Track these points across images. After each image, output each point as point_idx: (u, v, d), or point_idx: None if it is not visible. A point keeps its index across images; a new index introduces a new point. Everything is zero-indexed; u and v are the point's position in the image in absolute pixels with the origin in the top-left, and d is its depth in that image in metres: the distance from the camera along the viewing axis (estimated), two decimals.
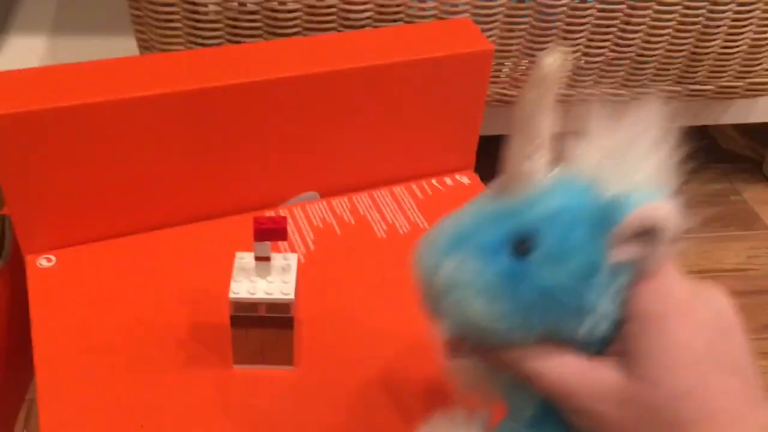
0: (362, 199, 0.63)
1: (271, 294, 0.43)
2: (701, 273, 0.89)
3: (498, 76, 0.73)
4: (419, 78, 0.60)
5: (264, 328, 0.45)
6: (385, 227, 0.60)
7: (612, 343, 0.30)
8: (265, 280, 0.44)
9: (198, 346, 0.48)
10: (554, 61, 0.28)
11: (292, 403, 0.46)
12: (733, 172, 1.07)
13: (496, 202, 0.30)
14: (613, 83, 0.76)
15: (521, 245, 0.28)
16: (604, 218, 0.28)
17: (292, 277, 0.44)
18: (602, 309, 0.29)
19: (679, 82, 0.78)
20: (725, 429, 0.27)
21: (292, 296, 0.43)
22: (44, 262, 0.54)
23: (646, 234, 0.27)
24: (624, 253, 0.28)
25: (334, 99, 0.58)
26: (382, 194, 0.64)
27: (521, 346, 0.30)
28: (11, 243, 0.59)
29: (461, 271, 0.29)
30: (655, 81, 0.77)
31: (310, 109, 0.58)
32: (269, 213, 0.59)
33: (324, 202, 0.62)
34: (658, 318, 0.28)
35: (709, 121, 0.91)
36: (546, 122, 0.28)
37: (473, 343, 0.31)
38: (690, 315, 0.29)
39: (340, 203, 0.62)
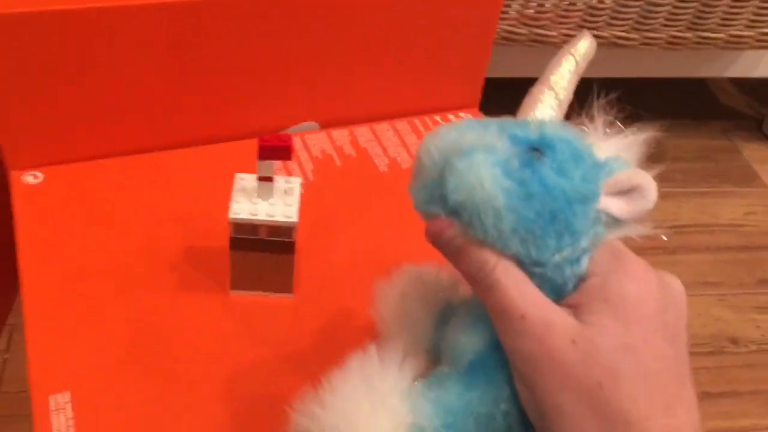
0: (363, 132, 0.61)
1: (273, 216, 0.41)
2: (698, 227, 0.88)
3: (507, 13, 0.71)
4: (427, 9, 0.57)
5: (264, 252, 0.43)
6: (387, 161, 0.58)
7: (565, 299, 0.31)
8: (267, 202, 0.42)
9: (193, 270, 0.46)
10: (590, 46, 0.34)
11: (289, 331, 0.44)
12: (732, 129, 1.06)
13: (513, 120, 0.32)
14: (624, 26, 0.74)
15: (537, 150, 0.30)
16: (602, 166, 0.30)
17: (295, 200, 0.42)
18: (583, 243, 0.30)
19: (690, 29, 0.76)
20: (655, 391, 0.28)
21: (295, 219, 0.41)
22: (30, 179, 0.51)
23: (630, 193, 0.30)
24: (610, 204, 0.30)
25: (338, 26, 0.55)
26: (384, 128, 0.62)
27: (497, 247, 0.30)
28: None
29: (485, 138, 0.30)
30: (666, 26, 0.75)
31: (312, 36, 0.55)
32: None
33: (324, 133, 0.60)
34: (615, 273, 0.30)
35: (714, 73, 0.90)
36: (571, 81, 0.33)
37: (459, 227, 0.30)
38: (643, 278, 0.30)
39: (341, 135, 0.60)
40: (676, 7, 0.73)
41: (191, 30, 0.51)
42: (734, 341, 0.74)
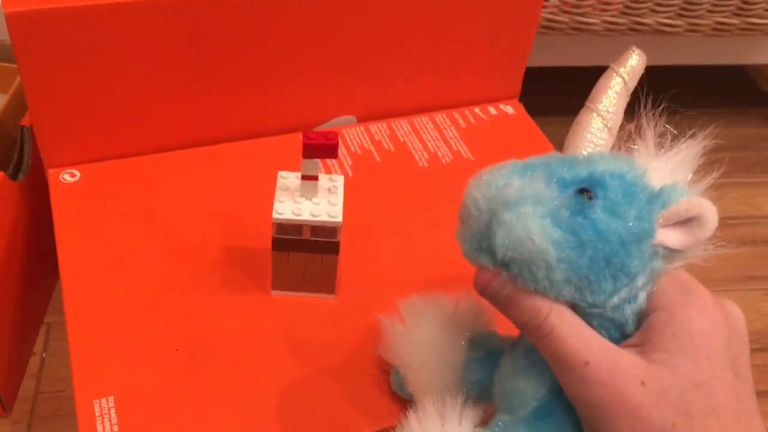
0: (401, 126, 0.59)
1: (317, 216, 0.40)
2: (741, 218, 0.86)
3: (547, 0, 0.69)
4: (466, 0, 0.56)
5: (307, 252, 0.42)
6: (426, 156, 0.57)
7: (630, 338, 0.30)
8: (310, 201, 0.41)
9: (233, 269, 0.46)
10: (642, 56, 0.33)
11: (331, 333, 0.43)
12: None
13: (560, 157, 0.30)
14: (668, 13, 0.71)
15: (586, 191, 0.29)
16: (657, 196, 0.29)
17: (339, 200, 0.41)
18: (640, 282, 0.29)
19: (737, 14, 0.73)
20: (728, 426, 0.28)
21: (339, 219, 0.40)
22: (68, 177, 0.51)
23: (688, 224, 0.29)
24: (666, 236, 0.29)
25: (376, 18, 0.54)
26: (423, 121, 0.60)
27: (550, 296, 0.29)
28: (30, 156, 0.55)
29: (532, 187, 0.29)
30: (712, 12, 0.72)
31: (349, 28, 0.54)
32: None
33: (362, 127, 0.58)
34: (683, 307, 0.29)
35: (759, 60, 0.87)
36: (622, 107, 0.32)
37: (508, 276, 0.29)
38: (711, 312, 0.29)
39: (379, 129, 0.59)
40: None
41: (229, 25, 0.50)
42: None
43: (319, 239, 0.41)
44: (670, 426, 0.27)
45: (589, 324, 0.30)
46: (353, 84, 0.57)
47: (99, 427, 0.37)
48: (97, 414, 0.38)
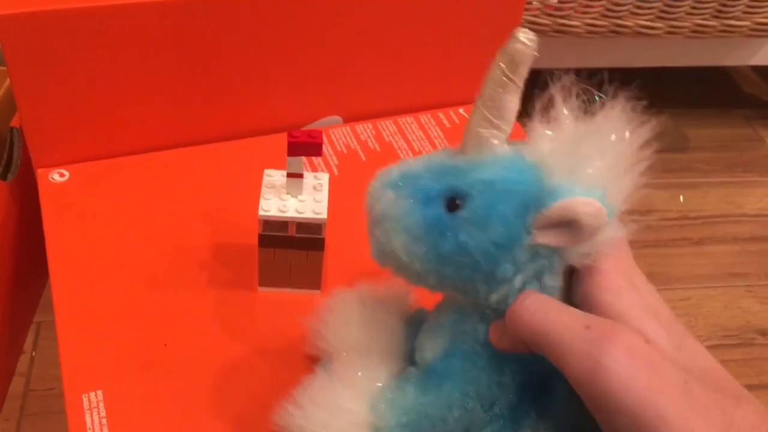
0: (387, 126, 0.60)
1: (302, 213, 0.41)
2: (722, 217, 0.87)
3: (530, 2, 0.70)
4: (452, 0, 0.57)
5: (293, 249, 0.43)
6: (411, 155, 0.58)
7: None
8: (296, 198, 0.42)
9: (221, 267, 0.46)
10: (527, 41, 0.29)
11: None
12: (755, 117, 1.05)
13: (449, 157, 0.31)
14: (648, 15, 0.73)
15: (453, 202, 0.30)
16: (534, 200, 0.29)
17: (324, 197, 0.42)
18: (518, 283, 0.30)
19: (716, 17, 0.75)
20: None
21: (324, 216, 0.41)
22: (57, 176, 0.51)
23: (567, 225, 0.28)
24: (544, 237, 0.29)
25: (360, 18, 0.55)
26: (408, 121, 0.61)
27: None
28: (20, 156, 0.56)
29: (395, 205, 0.31)
30: (691, 14, 0.74)
31: (333, 29, 0.54)
32: None
33: (347, 127, 0.59)
34: (625, 283, 0.29)
35: (738, 62, 0.88)
36: (510, 99, 0.30)
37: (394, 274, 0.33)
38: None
39: (365, 129, 0.59)
40: None
41: (215, 26, 0.50)
42: (763, 333, 0.73)
43: (305, 236, 0.42)
44: (682, 382, 0.26)
45: (482, 313, 0.32)
46: (339, 85, 0.58)
47: (88, 420, 0.38)
48: (86, 407, 0.38)
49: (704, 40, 0.79)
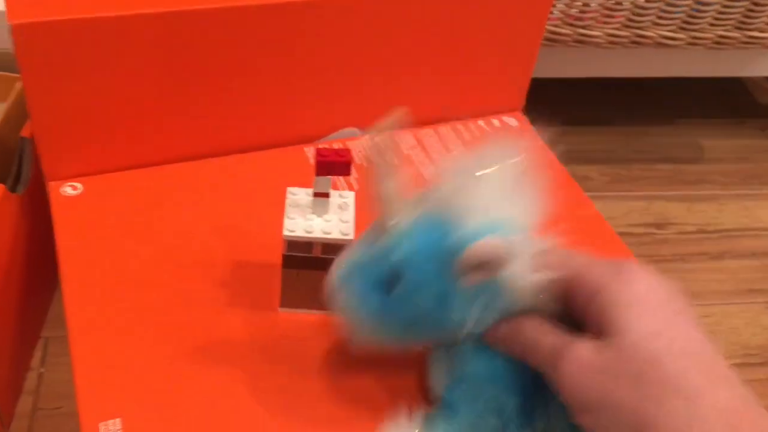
0: (406, 139, 0.59)
1: (329, 233, 0.39)
2: (741, 231, 0.86)
3: (550, 12, 0.68)
4: (473, 12, 0.55)
5: (317, 270, 0.41)
6: (431, 168, 0.56)
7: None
8: (321, 218, 0.40)
9: (240, 285, 0.45)
10: (382, 134, 0.35)
11: (340, 351, 0.42)
12: None
13: (374, 245, 0.35)
14: (671, 26, 0.71)
15: (390, 284, 0.34)
16: (451, 253, 0.33)
17: (350, 216, 0.40)
18: (473, 319, 0.34)
19: (738, 28, 0.74)
20: (704, 366, 0.28)
21: (352, 236, 0.40)
22: (69, 190, 0.50)
23: (485, 264, 0.32)
24: (470, 279, 0.33)
25: (379, 29, 0.53)
26: (427, 134, 0.60)
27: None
28: (30, 168, 0.54)
29: (351, 300, 0.36)
30: (713, 26, 0.73)
31: (354, 40, 0.53)
32: (313, 147, 0.55)
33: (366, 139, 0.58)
34: (615, 282, 0.30)
35: (758, 73, 0.87)
36: (389, 183, 0.34)
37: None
38: (642, 269, 0.31)
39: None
40: (725, 6, 0.70)
41: (233, 37, 0.49)
42: None
43: (330, 257, 0.40)
44: (638, 373, 0.28)
45: (463, 343, 0.35)
46: (357, 96, 0.57)
47: None
48: None
49: (725, 52, 0.78)
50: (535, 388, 0.34)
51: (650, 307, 0.30)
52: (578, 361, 0.30)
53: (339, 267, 0.37)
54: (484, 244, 0.32)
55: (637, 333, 0.29)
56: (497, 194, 0.33)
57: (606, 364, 0.29)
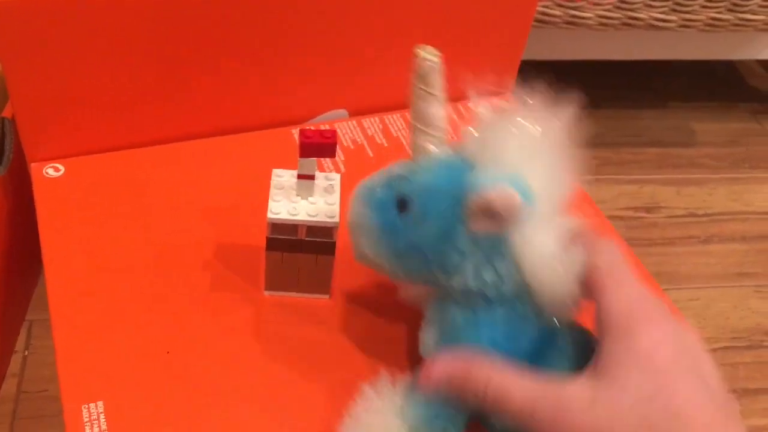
0: (394, 120, 0.58)
1: (314, 216, 0.39)
2: (730, 215, 0.86)
3: None
4: None
5: (302, 252, 0.41)
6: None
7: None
8: (306, 200, 0.40)
9: (225, 268, 0.44)
10: (429, 55, 0.34)
11: (326, 334, 0.42)
12: (762, 112, 1.03)
13: (400, 167, 0.36)
14: (663, 8, 0.71)
15: (402, 205, 0.35)
16: (465, 193, 0.32)
17: (336, 199, 0.40)
18: (470, 269, 0.33)
19: (731, 10, 0.73)
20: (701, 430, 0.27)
21: (337, 219, 0.39)
22: (51, 171, 0.49)
23: (489, 212, 0.32)
24: (476, 225, 0.32)
25: (367, 8, 0.53)
26: None
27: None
28: (12, 149, 0.53)
29: (359, 215, 0.36)
30: (705, 8, 0.72)
31: (342, 20, 0.52)
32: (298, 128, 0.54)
33: (354, 122, 0.57)
34: (631, 325, 0.30)
35: (749, 56, 0.87)
36: (433, 109, 0.34)
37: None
38: (657, 324, 0.30)
39: (372, 123, 0.57)
40: None
41: (218, 15, 0.48)
42: None
43: (315, 239, 0.40)
44: None
45: (455, 300, 0.35)
46: (345, 77, 0.56)
47: None
48: (85, 420, 0.36)
49: (717, 34, 0.77)
50: (533, 363, 0.33)
51: (656, 366, 0.29)
52: (573, 410, 0.29)
53: (358, 186, 0.37)
54: (499, 191, 0.31)
55: (635, 390, 0.28)
56: (529, 154, 0.33)
57: (598, 412, 0.28)
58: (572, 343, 0.34)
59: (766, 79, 1.08)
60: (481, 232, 0.33)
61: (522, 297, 0.34)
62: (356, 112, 0.58)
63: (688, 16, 0.72)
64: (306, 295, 0.43)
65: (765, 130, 1.00)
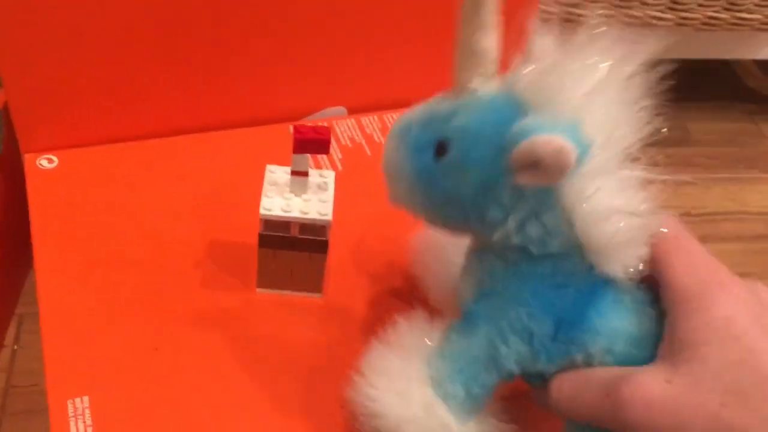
0: (393, 118, 0.58)
1: (306, 213, 0.39)
2: (726, 214, 0.86)
3: None
4: None
5: (294, 250, 0.40)
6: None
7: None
8: (299, 197, 0.39)
9: (217, 265, 0.44)
10: None
11: (317, 332, 0.42)
12: (757, 112, 1.03)
13: (440, 104, 0.32)
14: (659, 6, 0.71)
15: (440, 148, 0.30)
16: (510, 140, 0.28)
17: (329, 196, 0.40)
18: (512, 225, 0.30)
19: (728, 9, 0.73)
20: None
21: (329, 217, 0.39)
22: (45, 162, 0.49)
23: (537, 164, 0.27)
24: (522, 178, 0.28)
25: (368, 6, 0.52)
26: None
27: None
28: (3, 139, 0.53)
29: (394, 157, 0.33)
30: (703, 6, 0.72)
31: (338, 15, 0.52)
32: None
33: (352, 119, 0.57)
34: (697, 297, 0.28)
35: (746, 55, 0.86)
36: (483, 39, 0.30)
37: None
38: (729, 289, 0.28)
39: (370, 122, 0.57)
40: None
41: (217, 8, 0.48)
42: None
43: (308, 237, 0.40)
44: (717, 406, 0.26)
45: (497, 251, 0.32)
46: (344, 74, 0.56)
47: (72, 428, 0.36)
48: (71, 414, 0.36)
49: (713, 33, 0.77)
50: (576, 319, 0.31)
51: (733, 334, 0.27)
52: (647, 395, 0.27)
53: (397, 121, 0.33)
54: (553, 144, 0.26)
55: (717, 361, 0.27)
56: (593, 96, 0.28)
57: (680, 398, 0.27)
58: (633, 300, 0.32)
59: (762, 79, 1.08)
60: (527, 186, 0.29)
61: (571, 252, 0.30)
62: (355, 110, 0.58)
63: (684, 14, 0.72)
64: (298, 294, 0.43)
65: (761, 130, 1.00)
